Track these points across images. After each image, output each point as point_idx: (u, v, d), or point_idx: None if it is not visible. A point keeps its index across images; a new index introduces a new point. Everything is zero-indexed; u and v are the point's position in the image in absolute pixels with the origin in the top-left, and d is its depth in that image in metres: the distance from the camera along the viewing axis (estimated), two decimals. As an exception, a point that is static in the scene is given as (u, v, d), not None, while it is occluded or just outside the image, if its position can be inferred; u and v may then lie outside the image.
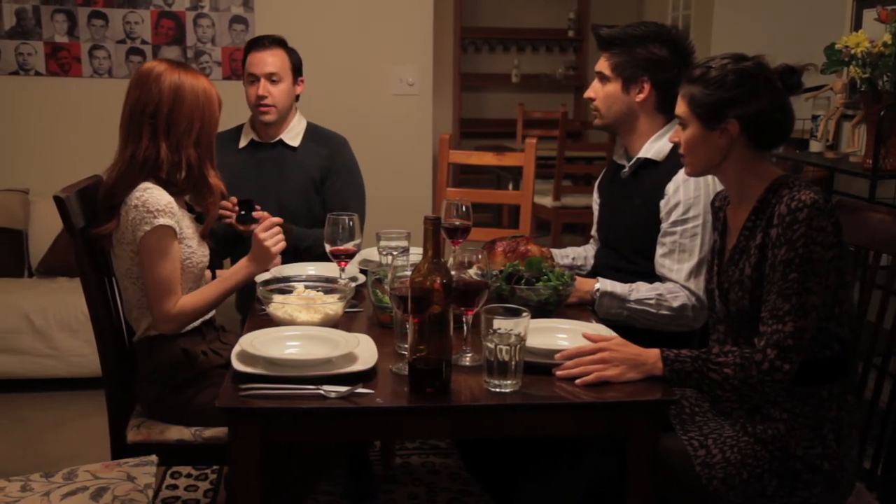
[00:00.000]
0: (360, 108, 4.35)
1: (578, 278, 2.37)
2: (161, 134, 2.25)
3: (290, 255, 2.84)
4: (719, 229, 2.09)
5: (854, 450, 1.92)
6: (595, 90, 2.51)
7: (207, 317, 2.42)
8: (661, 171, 2.42)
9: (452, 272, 1.91)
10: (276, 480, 2.28)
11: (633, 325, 2.35)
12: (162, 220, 2.19)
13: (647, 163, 2.46)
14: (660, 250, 2.38)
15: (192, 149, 2.29)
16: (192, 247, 2.32)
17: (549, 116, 6.19)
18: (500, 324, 1.75)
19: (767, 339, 1.82)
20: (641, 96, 2.44)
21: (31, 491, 1.96)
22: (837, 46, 3.22)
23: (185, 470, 3.03)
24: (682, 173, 2.35)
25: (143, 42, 4.26)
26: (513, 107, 6.48)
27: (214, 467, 3.04)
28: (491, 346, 1.75)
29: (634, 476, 1.77)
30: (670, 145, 2.42)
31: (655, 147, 2.45)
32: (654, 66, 2.43)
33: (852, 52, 3.15)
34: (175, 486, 2.95)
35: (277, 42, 3.03)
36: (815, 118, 3.71)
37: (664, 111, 2.47)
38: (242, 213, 2.70)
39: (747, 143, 1.93)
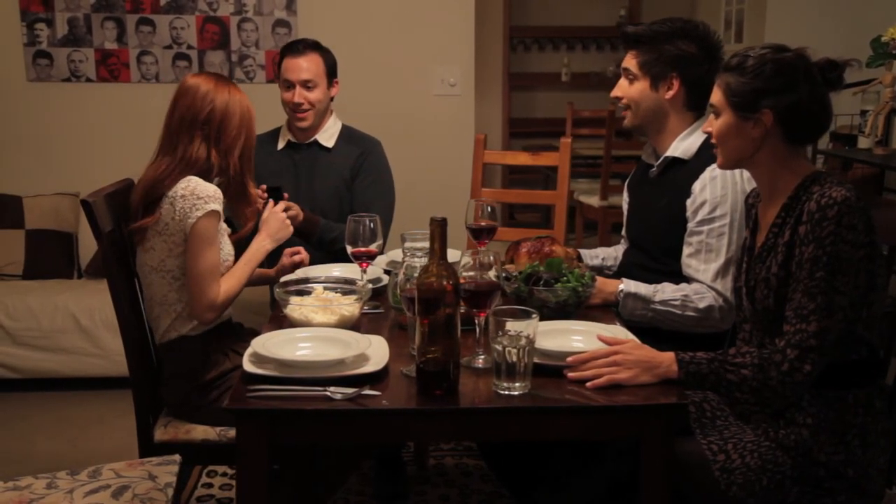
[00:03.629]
0: (401, 109, 4.35)
1: (602, 279, 2.33)
2: (212, 141, 2.34)
3: (316, 246, 2.87)
4: (751, 226, 2.04)
5: (882, 457, 1.85)
6: (622, 89, 2.47)
7: (224, 317, 2.45)
8: (688, 169, 2.37)
9: (472, 273, 1.90)
10: (304, 475, 2.30)
11: (658, 326, 2.31)
12: (213, 206, 2.26)
13: (675, 161, 2.42)
14: (686, 250, 2.34)
15: (237, 160, 2.38)
16: (222, 243, 2.38)
17: (598, 115, 6.12)
18: (509, 326, 1.73)
19: (789, 338, 1.77)
20: (671, 93, 2.40)
21: (56, 488, 2.00)
22: (884, 39, 3.13)
23: (220, 469, 3.07)
24: (708, 172, 2.30)
25: (189, 47, 4.33)
26: (563, 106, 6.43)
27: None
28: (499, 348, 1.73)
29: (649, 482, 1.73)
30: (699, 143, 2.37)
31: (683, 145, 2.40)
32: (683, 63, 2.38)
33: (899, 44, 3.04)
34: (210, 485, 2.99)
35: (312, 46, 3.05)
36: (863, 113, 3.60)
37: (693, 109, 2.43)
38: (270, 199, 2.72)
39: (781, 135, 1.88)
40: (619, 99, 2.49)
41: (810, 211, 1.78)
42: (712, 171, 2.30)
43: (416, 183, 4.06)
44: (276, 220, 2.54)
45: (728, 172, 2.28)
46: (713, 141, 1.99)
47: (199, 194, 2.25)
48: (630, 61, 2.45)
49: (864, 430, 1.82)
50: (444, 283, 1.70)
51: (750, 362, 1.79)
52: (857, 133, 3.70)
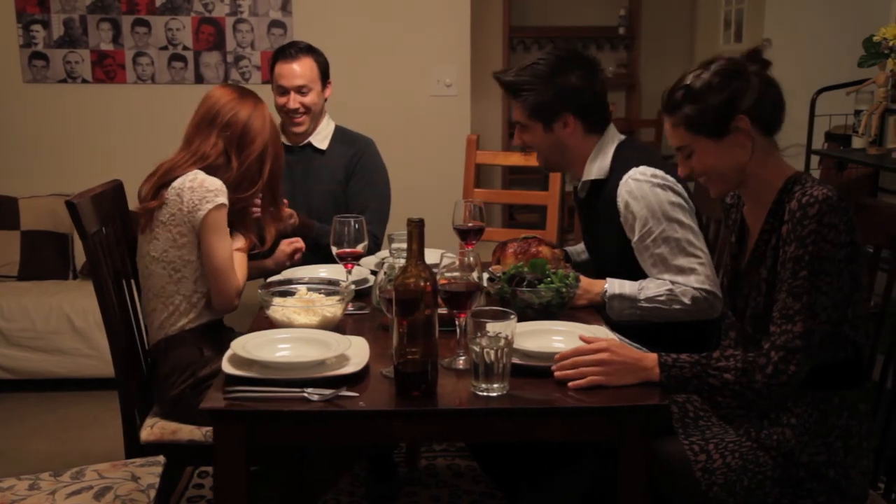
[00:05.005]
0: (397, 110, 4.36)
1: (588, 280, 2.32)
2: (233, 147, 2.38)
3: (311, 250, 2.88)
4: (735, 231, 2.02)
5: (865, 459, 1.84)
6: (519, 138, 2.48)
7: (217, 318, 2.46)
8: (608, 188, 2.37)
9: (452, 274, 1.90)
10: (293, 476, 2.30)
11: (650, 321, 2.30)
12: (222, 199, 2.30)
13: (595, 182, 2.42)
14: (647, 269, 2.32)
15: (264, 172, 2.44)
16: None
17: (598, 115, 6.11)
18: (487, 327, 1.72)
19: (774, 340, 1.76)
20: (568, 129, 2.39)
21: (38, 489, 2.01)
22: (876, 38, 3.11)
23: (212, 470, 3.07)
24: (623, 186, 2.31)
25: (185, 48, 4.34)
26: (563, 106, 6.42)
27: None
28: (477, 349, 1.72)
29: (627, 483, 1.73)
30: (609, 159, 2.39)
31: (595, 167, 2.40)
32: (569, 97, 2.36)
33: (890, 43, 3.03)
34: (201, 486, 3.00)
35: (305, 50, 3.03)
36: (857, 113, 3.58)
37: (593, 132, 2.43)
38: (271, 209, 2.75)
39: (761, 132, 1.86)
40: (526, 146, 2.49)
41: (791, 210, 1.77)
42: (625, 184, 2.30)
43: (411, 184, 4.06)
44: (284, 256, 2.68)
45: (641, 177, 2.28)
46: (701, 180, 1.94)
47: (209, 187, 2.28)
48: (517, 112, 2.42)
49: (847, 432, 1.81)
50: (422, 283, 1.70)
51: (733, 366, 1.78)
52: (851, 133, 3.69)
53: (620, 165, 2.35)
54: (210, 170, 2.35)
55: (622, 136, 2.45)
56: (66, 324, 3.74)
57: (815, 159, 3.90)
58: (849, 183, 3.67)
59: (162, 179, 2.34)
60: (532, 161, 3.46)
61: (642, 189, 2.28)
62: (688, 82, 1.87)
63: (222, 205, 2.29)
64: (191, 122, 2.43)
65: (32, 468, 2.34)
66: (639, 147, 2.48)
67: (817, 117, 3.86)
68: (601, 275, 2.37)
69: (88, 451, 3.27)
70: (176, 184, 2.30)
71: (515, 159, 3.51)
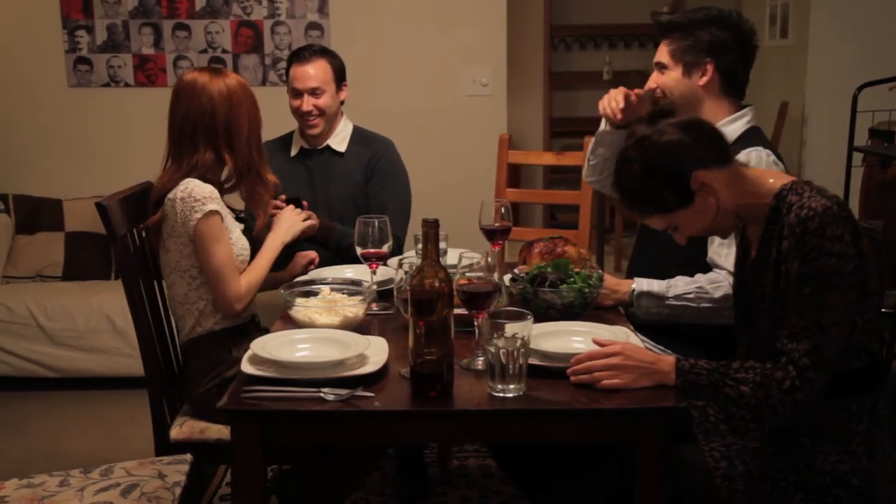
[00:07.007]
0: (433, 110, 4.36)
1: (615, 280, 2.30)
2: (223, 147, 2.34)
3: (333, 252, 2.89)
4: (738, 239, 1.98)
5: (889, 461, 1.79)
6: (655, 80, 2.44)
7: (247, 317, 2.47)
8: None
9: (473, 274, 1.89)
10: (320, 475, 2.31)
11: (676, 321, 2.26)
12: (211, 206, 2.28)
13: None
14: (717, 240, 2.26)
15: (254, 151, 2.40)
16: (232, 239, 2.39)
17: (639, 113, 6.04)
18: (503, 327, 1.71)
19: (787, 356, 1.72)
20: (705, 79, 2.36)
21: (68, 486, 2.05)
22: (917, 32, 3.02)
23: (244, 468, 3.10)
24: (745, 153, 2.22)
25: (224, 51, 4.39)
26: (604, 104, 6.37)
27: (273, 467, 3.10)
28: (493, 350, 1.72)
29: (643, 486, 1.71)
30: (740, 130, 2.33)
31: (725, 133, 2.35)
32: (717, 49, 2.35)
33: (932, 37, 2.95)
34: (234, 484, 3.03)
35: (318, 52, 3.04)
36: (900, 109, 3.50)
37: (729, 95, 2.39)
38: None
39: (718, 171, 1.83)
40: (653, 90, 2.44)
41: (791, 224, 1.71)
42: (749, 152, 2.24)
43: (447, 183, 4.07)
44: (287, 216, 2.61)
45: (766, 156, 2.23)
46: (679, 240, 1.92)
47: (196, 196, 2.27)
48: (662, 52, 2.41)
49: (869, 437, 1.76)
50: (437, 284, 1.70)
51: (752, 379, 1.73)
52: (895, 129, 3.60)
53: (746, 142, 2.28)
54: (204, 174, 2.34)
55: (756, 124, 2.42)
56: (106, 323, 3.81)
57: (857, 156, 3.81)
58: (891, 181, 3.58)
59: (159, 193, 2.35)
60: (566, 160, 3.47)
61: (761, 161, 2.22)
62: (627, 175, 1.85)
63: (212, 212, 2.27)
64: (170, 125, 2.39)
65: (69, 465, 2.39)
66: (768, 140, 2.44)
67: (860, 113, 3.77)
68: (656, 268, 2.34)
69: (123, 448, 3.32)
70: (170, 195, 2.31)
71: (548, 159, 3.49)
